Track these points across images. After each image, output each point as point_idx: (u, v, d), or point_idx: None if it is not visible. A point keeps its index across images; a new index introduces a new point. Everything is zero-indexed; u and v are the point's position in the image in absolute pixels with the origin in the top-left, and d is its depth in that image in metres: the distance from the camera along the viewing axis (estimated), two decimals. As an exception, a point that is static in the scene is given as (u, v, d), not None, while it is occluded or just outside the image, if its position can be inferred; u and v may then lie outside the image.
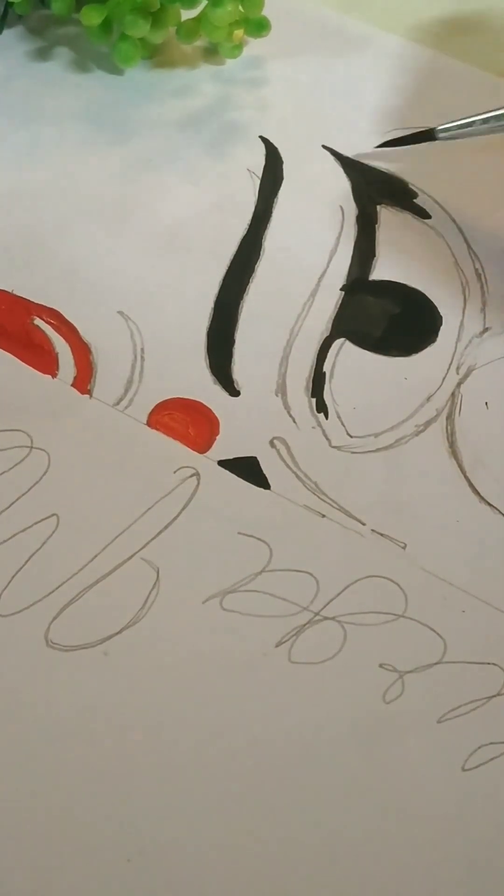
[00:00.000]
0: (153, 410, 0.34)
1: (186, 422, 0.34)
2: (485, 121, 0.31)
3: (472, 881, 0.27)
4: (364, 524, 0.32)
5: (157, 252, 0.39)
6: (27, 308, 0.37)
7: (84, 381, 0.35)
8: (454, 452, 0.34)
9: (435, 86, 0.45)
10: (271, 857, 0.27)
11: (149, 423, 0.34)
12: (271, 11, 0.44)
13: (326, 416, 0.35)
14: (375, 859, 0.27)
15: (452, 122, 0.32)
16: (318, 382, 0.36)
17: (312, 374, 0.36)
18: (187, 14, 0.44)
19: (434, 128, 0.33)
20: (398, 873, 0.27)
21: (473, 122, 0.31)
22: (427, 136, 0.33)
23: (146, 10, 0.42)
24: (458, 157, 0.43)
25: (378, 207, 0.40)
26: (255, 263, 0.38)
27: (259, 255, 0.39)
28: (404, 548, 0.32)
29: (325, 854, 0.27)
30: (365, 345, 0.36)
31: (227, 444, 0.34)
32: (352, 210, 0.40)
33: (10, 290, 0.37)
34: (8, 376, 0.35)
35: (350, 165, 0.42)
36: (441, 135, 0.32)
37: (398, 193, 0.41)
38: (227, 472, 0.33)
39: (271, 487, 0.33)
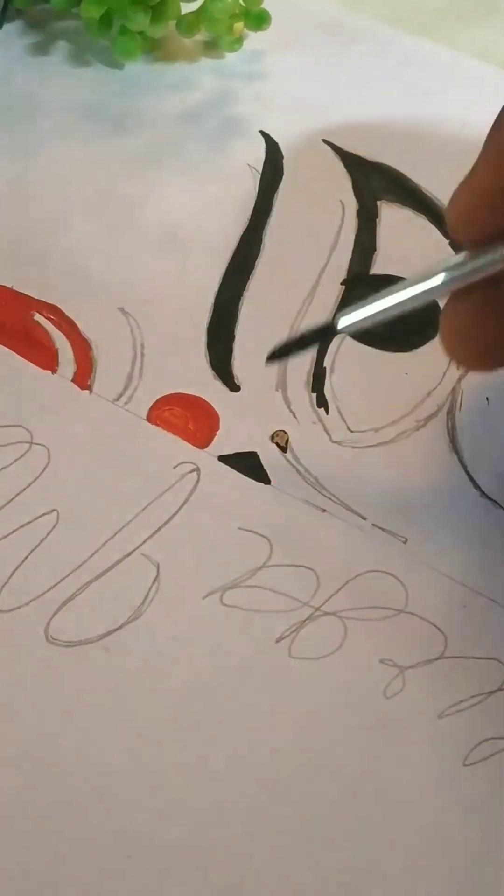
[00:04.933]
0: (153, 406, 0.34)
1: (186, 417, 0.34)
2: (384, 307, 0.28)
3: (473, 877, 0.27)
4: (365, 519, 0.32)
5: (157, 247, 0.39)
6: (27, 304, 0.37)
7: (84, 376, 0.35)
8: (455, 447, 0.34)
9: (437, 79, 0.45)
10: (272, 851, 0.27)
11: (149, 419, 0.34)
12: (272, 5, 0.44)
13: (327, 412, 0.35)
14: (375, 854, 0.27)
15: (352, 314, 0.27)
16: (318, 377, 0.35)
17: (313, 370, 0.36)
18: (187, 7, 0.44)
19: (333, 321, 0.28)
20: (399, 868, 0.27)
21: (375, 314, 0.27)
22: (325, 332, 0.29)
23: (146, 4, 0.42)
24: (458, 154, 0.42)
25: (378, 203, 0.40)
26: (256, 258, 0.38)
27: (259, 250, 0.39)
28: (405, 542, 0.32)
29: (325, 849, 0.27)
30: (365, 340, 0.36)
31: (228, 440, 0.34)
32: (352, 205, 0.40)
33: (9, 286, 0.37)
34: (8, 372, 0.35)
35: (351, 160, 0.42)
36: (342, 328, 0.28)
37: (399, 188, 0.41)
38: (227, 467, 0.33)
39: (272, 482, 0.33)
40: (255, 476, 0.33)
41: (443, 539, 0.32)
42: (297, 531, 0.32)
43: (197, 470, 0.33)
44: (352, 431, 0.34)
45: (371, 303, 0.28)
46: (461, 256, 0.27)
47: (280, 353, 0.30)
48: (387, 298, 0.27)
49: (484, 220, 0.26)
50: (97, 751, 0.28)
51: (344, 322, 0.28)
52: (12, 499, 0.32)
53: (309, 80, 0.45)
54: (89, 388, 0.35)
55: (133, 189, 0.40)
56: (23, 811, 0.27)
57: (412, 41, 0.47)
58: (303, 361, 0.36)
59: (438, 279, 0.27)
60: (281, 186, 0.41)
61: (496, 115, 0.43)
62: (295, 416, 0.34)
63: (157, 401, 0.34)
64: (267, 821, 0.27)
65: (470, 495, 0.33)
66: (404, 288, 0.27)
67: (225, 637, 0.30)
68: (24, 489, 0.32)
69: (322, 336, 0.29)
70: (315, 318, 0.37)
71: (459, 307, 0.28)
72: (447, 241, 0.39)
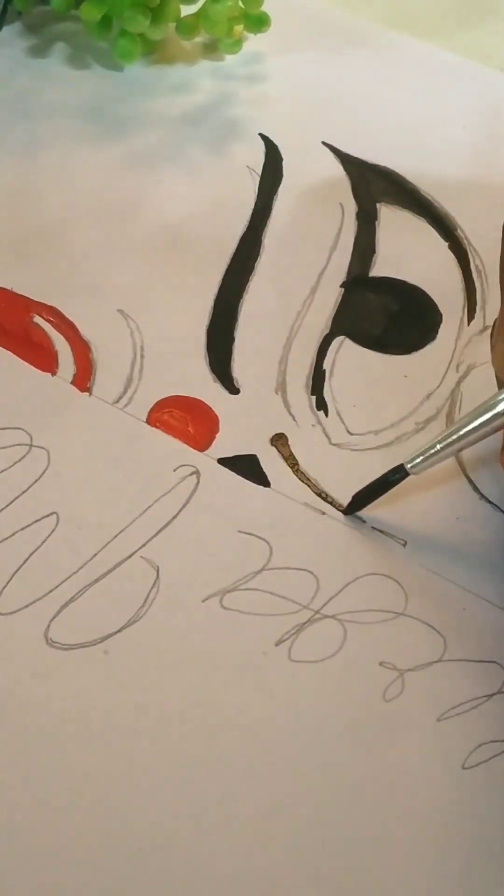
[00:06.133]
0: (153, 408, 0.34)
1: (186, 420, 0.34)
2: (451, 442, 0.30)
3: (471, 879, 0.27)
4: (364, 522, 0.32)
5: (157, 249, 0.39)
6: (27, 306, 0.37)
7: (84, 378, 0.35)
8: (454, 450, 0.34)
9: (436, 81, 0.45)
10: (271, 855, 0.27)
11: (148, 421, 0.34)
12: (271, 7, 0.44)
13: (326, 414, 0.35)
14: (375, 857, 0.27)
15: (420, 456, 0.30)
16: (317, 380, 0.35)
17: (312, 372, 0.36)
18: (187, 10, 0.44)
19: (403, 464, 0.31)
20: (397, 871, 0.27)
21: (441, 449, 0.30)
22: (397, 478, 0.31)
23: (146, 6, 0.42)
24: (457, 156, 0.43)
25: (378, 205, 0.40)
26: (255, 261, 0.38)
27: (259, 252, 0.39)
28: (404, 545, 0.32)
29: (324, 852, 0.27)
30: (365, 342, 0.36)
31: (227, 442, 0.34)
32: (351, 207, 0.40)
33: (9, 288, 0.37)
34: (7, 374, 0.35)
35: (350, 162, 0.42)
36: (413, 470, 0.31)
37: (398, 191, 0.41)
38: (226, 470, 0.33)
39: (271, 485, 0.33)
40: (254, 479, 0.33)
41: (442, 542, 0.32)
42: (297, 534, 0.32)
43: (197, 473, 0.33)
44: (351, 434, 0.34)
45: (436, 445, 0.30)
46: None
47: (360, 503, 0.32)
48: (449, 440, 0.30)
49: None
50: (97, 753, 0.28)
51: (414, 466, 0.31)
52: (12, 501, 0.32)
53: (308, 83, 0.45)
54: (89, 390, 0.35)
55: (133, 191, 0.40)
56: (22, 813, 0.27)
57: (411, 44, 0.47)
58: (302, 364, 0.36)
59: (488, 417, 0.29)
60: (280, 188, 0.41)
61: (495, 117, 0.43)
62: (294, 419, 0.34)
63: (157, 403, 0.34)
64: (266, 822, 0.27)
65: (469, 498, 0.33)
66: (462, 428, 0.29)
67: (224, 640, 0.30)
68: (24, 492, 0.32)
69: (396, 481, 0.31)
70: (315, 320, 0.37)
71: None
72: (446, 244, 0.39)
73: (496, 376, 0.30)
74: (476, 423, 0.29)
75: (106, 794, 0.28)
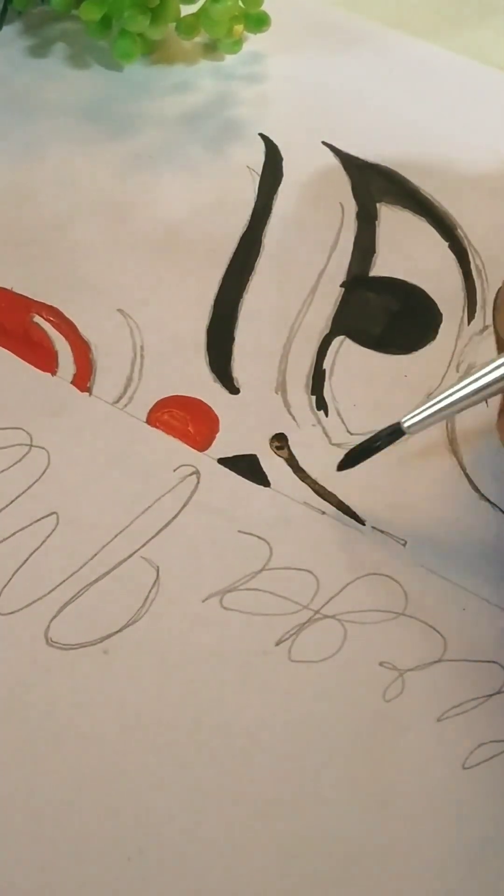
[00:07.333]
0: (153, 408, 0.34)
1: (186, 419, 0.34)
2: (452, 403, 0.29)
3: (472, 879, 0.27)
4: (364, 522, 0.32)
5: (157, 249, 0.39)
6: (27, 306, 0.37)
7: (84, 378, 0.35)
8: (454, 450, 0.34)
9: (436, 81, 0.45)
10: (271, 854, 0.27)
11: (148, 421, 0.34)
12: (271, 6, 0.44)
13: (326, 414, 0.35)
14: (375, 857, 0.27)
15: (417, 413, 0.29)
16: (317, 380, 0.35)
17: (312, 372, 0.36)
18: (187, 9, 0.44)
19: (399, 422, 0.30)
20: (398, 871, 0.27)
21: (441, 408, 0.29)
22: (395, 435, 0.30)
23: (145, 6, 0.42)
24: (457, 155, 0.43)
25: (378, 205, 0.40)
26: (255, 261, 0.38)
27: (259, 252, 0.39)
28: (404, 545, 0.32)
29: (325, 852, 0.27)
30: (365, 342, 0.36)
31: (227, 442, 0.34)
32: (352, 207, 0.40)
33: (9, 288, 0.37)
34: (7, 374, 0.35)
35: (350, 162, 0.42)
36: (411, 429, 0.30)
37: (398, 190, 0.41)
38: (227, 469, 0.33)
39: (271, 485, 0.33)
40: (254, 478, 0.33)
41: (442, 542, 0.32)
42: (297, 534, 0.32)
43: (197, 472, 0.33)
44: (351, 434, 0.34)
45: (433, 404, 0.29)
46: None
47: (353, 461, 0.32)
48: (447, 399, 0.29)
49: None
50: (96, 753, 0.28)
51: (410, 423, 0.30)
52: (12, 501, 0.32)
53: (308, 82, 0.45)
54: (89, 390, 0.35)
55: (133, 191, 0.40)
56: (23, 813, 0.27)
57: (411, 43, 0.47)
58: (302, 364, 0.36)
59: (490, 379, 0.28)
60: (280, 188, 0.41)
61: (495, 116, 0.43)
62: (294, 419, 0.34)
63: (157, 403, 0.34)
64: (266, 822, 0.27)
65: (469, 498, 0.33)
66: (462, 388, 0.29)
67: (224, 640, 0.30)
68: (24, 492, 0.32)
69: (392, 439, 0.31)
70: (315, 320, 0.37)
71: None
72: (446, 244, 0.39)
73: (497, 339, 0.30)
74: (475, 387, 0.28)
75: (105, 793, 0.28)
